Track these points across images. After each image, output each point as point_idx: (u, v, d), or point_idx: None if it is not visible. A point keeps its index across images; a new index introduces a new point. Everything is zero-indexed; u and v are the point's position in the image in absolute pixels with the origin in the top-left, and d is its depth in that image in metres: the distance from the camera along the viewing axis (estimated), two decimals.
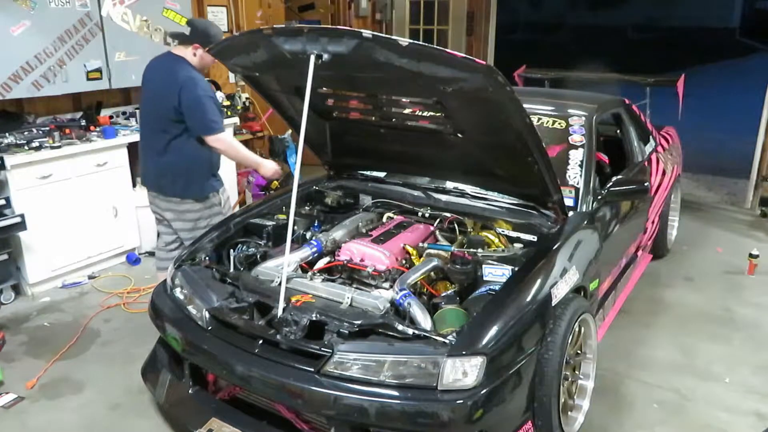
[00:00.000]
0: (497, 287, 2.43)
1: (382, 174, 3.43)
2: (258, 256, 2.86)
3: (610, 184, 3.09)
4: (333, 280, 2.60)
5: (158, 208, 3.38)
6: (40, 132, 4.08)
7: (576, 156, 3.15)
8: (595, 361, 2.78)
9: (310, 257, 2.78)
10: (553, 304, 2.40)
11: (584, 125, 3.27)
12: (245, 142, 5.80)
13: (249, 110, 5.76)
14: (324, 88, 2.78)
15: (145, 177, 3.43)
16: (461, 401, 2.05)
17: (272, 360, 2.23)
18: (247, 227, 3.06)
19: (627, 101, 4.01)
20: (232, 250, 2.88)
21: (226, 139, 3.23)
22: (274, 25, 2.51)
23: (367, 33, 2.19)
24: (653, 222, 4.04)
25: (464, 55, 2.16)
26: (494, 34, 7.55)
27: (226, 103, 5.22)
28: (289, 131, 5.54)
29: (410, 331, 2.18)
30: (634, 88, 4.90)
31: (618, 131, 3.95)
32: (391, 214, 3.16)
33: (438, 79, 2.27)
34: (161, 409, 2.77)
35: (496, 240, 2.83)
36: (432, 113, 2.69)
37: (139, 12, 4.53)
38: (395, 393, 2.08)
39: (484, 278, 2.56)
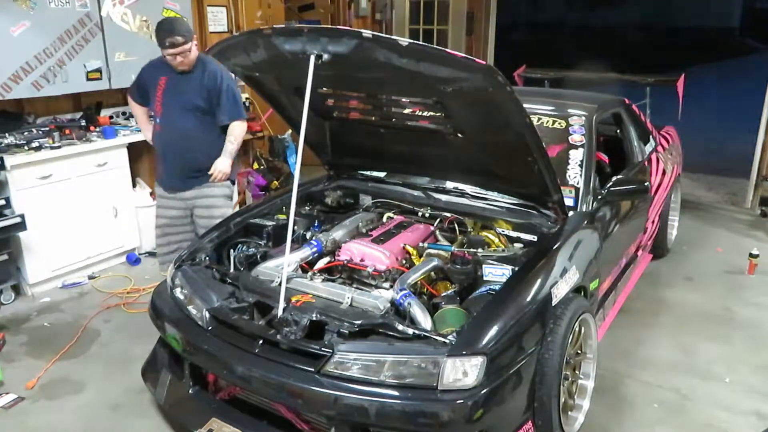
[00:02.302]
0: (497, 287, 2.43)
1: (382, 174, 3.43)
2: (258, 256, 2.86)
3: (610, 183, 3.09)
4: (333, 280, 2.60)
5: (183, 203, 3.51)
6: (40, 132, 4.07)
7: (576, 156, 3.15)
8: (596, 360, 2.78)
9: (310, 257, 2.79)
10: (553, 304, 2.40)
11: (584, 125, 3.27)
12: (245, 142, 5.81)
13: (249, 110, 5.74)
14: (324, 88, 2.78)
15: (173, 176, 3.51)
16: (461, 401, 2.05)
17: (272, 360, 2.23)
18: (247, 227, 3.06)
19: (627, 101, 4.01)
20: (232, 250, 2.88)
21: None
22: (274, 25, 2.51)
23: (367, 33, 2.19)
24: (653, 222, 4.04)
25: (464, 55, 2.16)
26: (494, 34, 7.55)
27: None
28: (289, 131, 5.55)
29: (410, 331, 2.18)
30: (634, 88, 4.90)
31: (618, 131, 3.95)
32: (391, 214, 3.17)
33: (438, 79, 2.27)
34: (161, 409, 2.77)
35: (496, 240, 2.83)
36: (432, 113, 2.69)
37: (139, 12, 4.52)
38: (395, 393, 2.08)
39: (484, 278, 2.56)
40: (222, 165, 3.47)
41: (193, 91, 3.39)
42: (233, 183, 3.65)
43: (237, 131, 3.49)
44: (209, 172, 3.46)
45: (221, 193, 3.55)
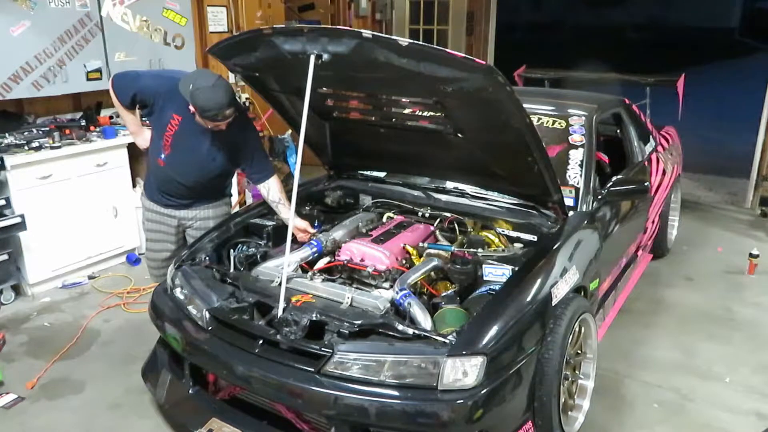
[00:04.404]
0: (497, 287, 2.43)
1: (382, 174, 3.43)
2: (258, 256, 2.86)
3: (610, 183, 3.09)
4: (333, 280, 2.60)
5: (175, 220, 3.12)
6: (40, 132, 4.08)
7: (576, 156, 3.15)
8: (595, 360, 2.78)
9: (310, 257, 2.79)
10: (553, 304, 2.40)
11: (584, 125, 3.27)
12: None
13: (249, 110, 5.75)
14: (324, 88, 2.78)
15: (169, 198, 3.09)
16: (461, 401, 2.05)
17: (272, 360, 2.23)
18: (247, 227, 3.06)
19: (627, 101, 4.01)
20: (232, 250, 2.88)
21: None
22: (274, 25, 2.51)
23: (367, 33, 2.19)
24: (653, 222, 4.04)
25: (464, 55, 2.16)
26: (494, 34, 7.55)
27: None
28: (289, 131, 5.55)
29: (410, 331, 2.18)
30: (634, 88, 4.89)
31: (618, 131, 3.95)
32: (391, 214, 3.17)
33: (438, 79, 2.27)
34: (161, 409, 2.77)
35: (496, 240, 2.84)
36: (432, 113, 2.69)
37: (139, 12, 4.52)
38: (395, 393, 2.08)
39: (484, 278, 2.56)
40: (301, 224, 3.00)
41: (212, 149, 2.93)
42: (230, 196, 3.32)
43: (280, 192, 3.04)
44: (300, 240, 2.98)
45: (221, 213, 3.20)
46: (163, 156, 3.00)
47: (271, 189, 3.04)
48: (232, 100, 2.72)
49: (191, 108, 2.73)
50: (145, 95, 2.96)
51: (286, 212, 2.97)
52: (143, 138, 3.20)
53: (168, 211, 3.13)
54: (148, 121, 3.11)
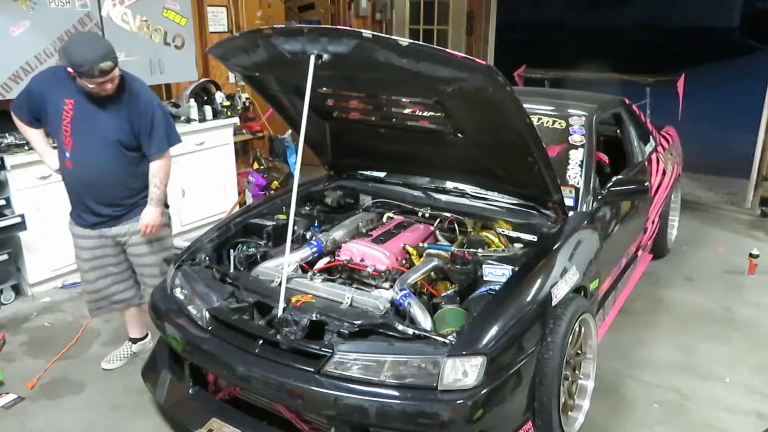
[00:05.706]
0: (497, 287, 2.43)
1: (382, 174, 3.43)
2: (258, 256, 2.86)
3: (610, 184, 3.09)
4: (333, 280, 2.60)
5: (111, 240, 2.92)
6: None
7: (576, 156, 3.15)
8: (596, 361, 2.78)
9: (310, 257, 2.79)
10: (553, 304, 2.40)
11: (584, 125, 3.27)
12: (245, 142, 5.82)
13: (249, 110, 5.76)
14: (324, 88, 2.78)
15: (94, 215, 2.87)
16: (461, 401, 2.05)
17: (272, 360, 2.23)
18: (247, 227, 3.06)
19: (627, 101, 4.01)
20: (232, 250, 2.88)
21: None
22: (274, 25, 2.51)
23: (367, 33, 2.19)
24: (653, 222, 4.04)
25: (464, 55, 2.16)
26: (494, 34, 7.55)
27: (226, 103, 5.21)
28: (289, 131, 5.56)
29: (410, 331, 2.18)
30: (634, 88, 4.89)
31: (618, 131, 3.95)
32: (391, 214, 3.17)
33: (438, 79, 2.28)
34: (161, 409, 2.77)
35: (496, 240, 2.84)
36: (432, 113, 2.69)
37: (139, 12, 4.53)
38: (395, 393, 2.08)
39: (484, 278, 2.56)
40: (149, 218, 2.86)
41: (114, 122, 2.73)
42: (167, 207, 3.05)
43: (161, 170, 2.85)
44: (138, 229, 2.88)
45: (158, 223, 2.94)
46: (68, 155, 2.78)
47: (152, 165, 2.85)
48: (108, 54, 2.53)
49: (70, 70, 2.56)
50: (35, 98, 2.79)
51: (154, 192, 2.86)
52: (53, 157, 2.94)
53: (100, 232, 2.88)
54: (49, 132, 2.91)
